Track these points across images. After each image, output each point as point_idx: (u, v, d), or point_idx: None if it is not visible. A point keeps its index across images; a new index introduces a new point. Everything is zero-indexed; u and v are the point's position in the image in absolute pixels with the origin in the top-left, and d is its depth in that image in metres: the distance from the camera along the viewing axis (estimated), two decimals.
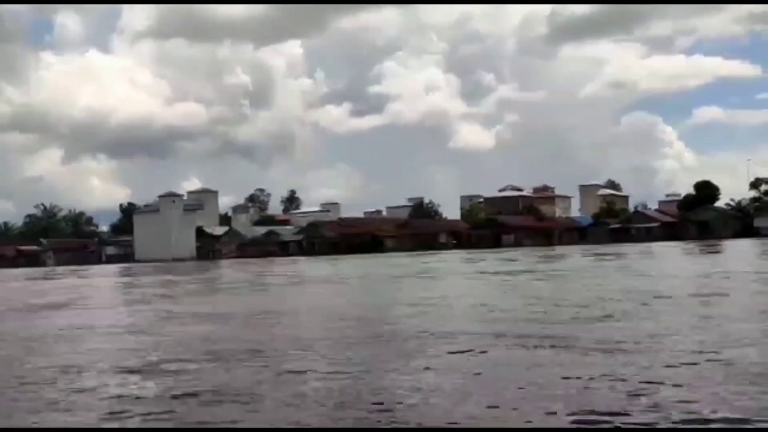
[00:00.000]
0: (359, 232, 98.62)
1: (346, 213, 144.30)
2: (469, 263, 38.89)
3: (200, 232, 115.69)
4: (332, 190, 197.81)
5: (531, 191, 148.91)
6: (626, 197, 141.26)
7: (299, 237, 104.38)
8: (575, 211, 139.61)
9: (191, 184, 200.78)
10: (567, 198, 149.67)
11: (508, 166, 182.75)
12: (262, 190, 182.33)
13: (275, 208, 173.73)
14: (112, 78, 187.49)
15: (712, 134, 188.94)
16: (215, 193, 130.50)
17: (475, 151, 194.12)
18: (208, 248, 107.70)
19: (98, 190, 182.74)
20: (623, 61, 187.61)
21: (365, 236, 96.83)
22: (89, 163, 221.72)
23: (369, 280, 27.14)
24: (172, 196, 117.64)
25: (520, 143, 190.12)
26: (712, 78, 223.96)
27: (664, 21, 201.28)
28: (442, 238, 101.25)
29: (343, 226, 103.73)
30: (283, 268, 48.06)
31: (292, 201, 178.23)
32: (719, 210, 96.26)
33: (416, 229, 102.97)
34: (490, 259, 43.01)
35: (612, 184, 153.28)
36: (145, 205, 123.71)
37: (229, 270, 48.67)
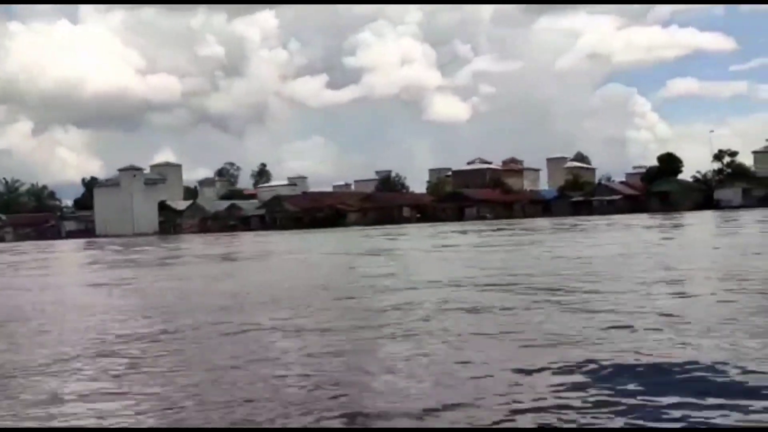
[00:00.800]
0: (321, 206, 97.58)
1: (315, 187, 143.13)
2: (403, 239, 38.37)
3: (163, 207, 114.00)
4: (307, 162, 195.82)
5: (500, 164, 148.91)
6: (593, 170, 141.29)
7: (261, 211, 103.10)
8: (544, 184, 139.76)
9: (164, 156, 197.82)
10: (535, 171, 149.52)
11: (482, 138, 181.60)
12: (232, 164, 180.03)
13: (246, 182, 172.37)
14: (83, 48, 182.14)
15: (685, 106, 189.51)
16: (179, 166, 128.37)
17: (451, 124, 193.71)
18: (170, 223, 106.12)
19: (69, 163, 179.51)
20: (599, 32, 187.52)
21: (328, 210, 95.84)
22: (60, 136, 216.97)
23: (299, 258, 26.45)
24: (133, 169, 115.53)
25: (495, 115, 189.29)
26: (687, 49, 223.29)
27: None
28: (406, 212, 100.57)
29: (306, 200, 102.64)
30: (227, 243, 47.24)
31: (262, 175, 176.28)
32: (680, 182, 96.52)
33: (380, 203, 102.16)
34: (436, 233, 42.54)
35: (581, 157, 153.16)
36: (106, 179, 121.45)
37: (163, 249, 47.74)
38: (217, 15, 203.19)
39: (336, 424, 4.52)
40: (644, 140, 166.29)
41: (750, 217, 48.01)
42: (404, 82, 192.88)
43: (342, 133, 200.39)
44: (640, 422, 4.32)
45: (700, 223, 42.97)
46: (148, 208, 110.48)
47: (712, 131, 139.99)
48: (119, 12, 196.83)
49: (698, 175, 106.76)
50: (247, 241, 47.95)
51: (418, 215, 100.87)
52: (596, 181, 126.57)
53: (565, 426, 4.37)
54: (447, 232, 44.27)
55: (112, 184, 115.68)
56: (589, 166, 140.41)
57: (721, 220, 45.52)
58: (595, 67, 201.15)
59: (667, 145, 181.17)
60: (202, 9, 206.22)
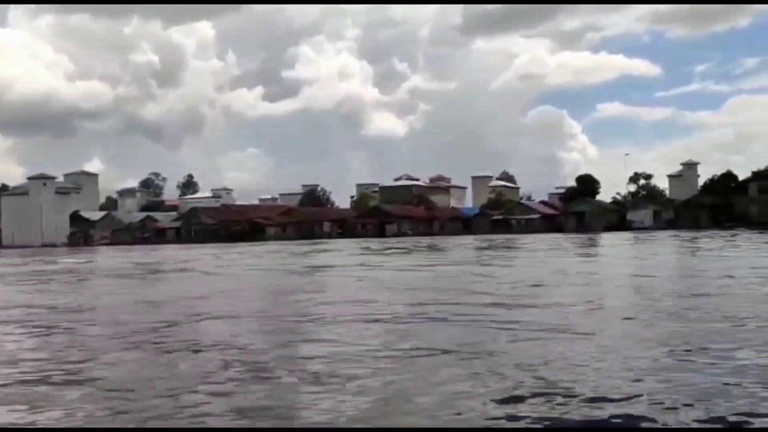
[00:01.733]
0: (239, 220, 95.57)
1: (242, 199, 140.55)
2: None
3: (77, 217, 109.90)
4: (242, 174, 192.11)
5: (427, 181, 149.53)
6: (517, 189, 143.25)
7: (178, 224, 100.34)
8: (470, 202, 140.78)
9: (93, 165, 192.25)
10: (462, 189, 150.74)
11: (417, 155, 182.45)
12: (157, 174, 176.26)
13: (173, 193, 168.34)
14: (11, 52, 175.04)
15: (613, 129, 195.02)
16: (95, 176, 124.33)
17: (388, 139, 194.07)
18: (81, 234, 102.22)
19: None
20: (533, 54, 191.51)
21: (244, 224, 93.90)
22: None
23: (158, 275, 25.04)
24: (44, 178, 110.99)
25: (430, 133, 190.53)
26: (615, 74, 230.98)
27: (572, 18, 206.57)
28: (327, 227, 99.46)
29: (224, 213, 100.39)
30: (116, 255, 45.26)
31: (189, 186, 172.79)
32: (596, 203, 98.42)
33: (300, 217, 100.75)
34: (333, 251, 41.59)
35: (506, 176, 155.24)
36: (14, 187, 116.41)
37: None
38: (153, 22, 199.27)
39: None
40: (574, 161, 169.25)
41: (631, 237, 48.86)
42: (342, 97, 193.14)
43: (278, 146, 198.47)
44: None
45: (578, 244, 43.28)
46: (58, 218, 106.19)
47: (627, 154, 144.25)
48: (49, 16, 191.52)
49: (618, 197, 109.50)
50: (138, 255, 46.05)
51: (339, 231, 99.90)
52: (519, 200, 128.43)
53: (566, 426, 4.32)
54: (345, 249, 43.40)
55: (20, 192, 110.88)
56: (513, 185, 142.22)
57: (596, 240, 46.08)
58: (529, 89, 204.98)
59: (594, 166, 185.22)
60: (137, 16, 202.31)
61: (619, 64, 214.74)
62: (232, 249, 52.38)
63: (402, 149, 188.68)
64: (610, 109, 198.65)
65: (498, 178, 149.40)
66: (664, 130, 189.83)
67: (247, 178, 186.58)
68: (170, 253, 48.79)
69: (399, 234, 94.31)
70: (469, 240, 61.85)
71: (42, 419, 4.92)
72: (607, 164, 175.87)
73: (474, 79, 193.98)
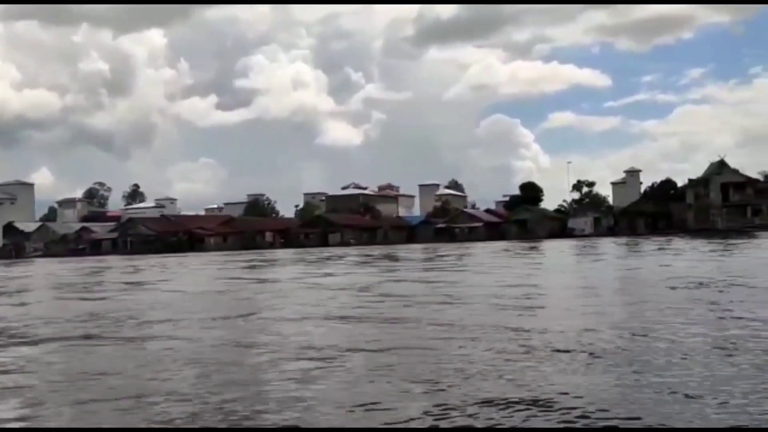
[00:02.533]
0: (177, 231, 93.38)
1: (189, 209, 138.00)
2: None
3: (11, 228, 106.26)
4: (195, 184, 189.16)
5: (375, 190, 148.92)
6: (464, 197, 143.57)
7: (114, 235, 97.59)
8: (418, 211, 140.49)
9: (41, 175, 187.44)
10: (410, 197, 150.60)
11: (371, 164, 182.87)
12: (102, 184, 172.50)
13: (118, 203, 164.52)
14: None
15: (565, 138, 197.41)
16: (31, 185, 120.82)
17: (342, 149, 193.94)
18: (12, 246, 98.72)
19: None
20: (485, 65, 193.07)
21: (182, 235, 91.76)
22: None
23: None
24: None
25: (384, 142, 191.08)
26: (566, 84, 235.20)
27: (523, 29, 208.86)
28: (269, 237, 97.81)
29: (163, 224, 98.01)
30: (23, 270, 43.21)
31: (135, 196, 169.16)
32: (537, 210, 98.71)
33: (241, 227, 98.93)
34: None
35: (454, 184, 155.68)
36: None
37: None
38: (102, 30, 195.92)
39: None
40: (527, 170, 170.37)
41: (571, 244, 48.66)
42: (296, 106, 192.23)
43: (231, 156, 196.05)
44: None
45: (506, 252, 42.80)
46: None
47: (569, 162, 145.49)
48: None
49: (565, 204, 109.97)
50: (55, 268, 44.01)
51: (282, 240, 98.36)
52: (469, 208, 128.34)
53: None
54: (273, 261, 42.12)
55: None
56: (460, 194, 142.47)
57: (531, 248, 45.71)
58: (481, 98, 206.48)
59: (546, 175, 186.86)
60: (86, 23, 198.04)
61: (569, 74, 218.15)
62: (149, 261, 50.66)
63: (356, 159, 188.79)
64: (562, 118, 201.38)
65: (446, 187, 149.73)
66: (612, 139, 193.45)
67: (200, 188, 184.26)
68: (88, 264, 46.82)
69: (342, 243, 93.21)
70: (399, 249, 60.98)
71: None
72: (559, 172, 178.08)
73: (427, 89, 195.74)
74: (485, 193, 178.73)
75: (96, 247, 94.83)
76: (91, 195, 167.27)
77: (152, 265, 39.81)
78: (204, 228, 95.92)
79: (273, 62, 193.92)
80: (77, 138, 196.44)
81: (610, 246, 45.72)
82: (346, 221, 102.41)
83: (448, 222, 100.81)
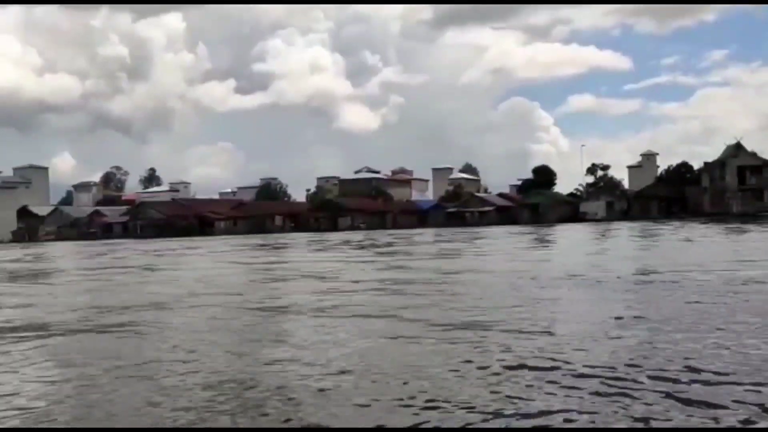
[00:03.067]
0: (187, 215, 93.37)
1: (203, 193, 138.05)
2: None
3: (25, 212, 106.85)
4: (212, 168, 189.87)
5: (388, 174, 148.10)
6: (478, 181, 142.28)
7: (125, 218, 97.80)
8: (431, 195, 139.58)
9: (63, 159, 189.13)
10: (424, 181, 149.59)
11: (388, 148, 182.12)
12: (119, 168, 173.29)
13: (135, 187, 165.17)
14: None
15: (584, 121, 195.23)
16: (45, 169, 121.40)
17: (359, 133, 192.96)
18: (27, 229, 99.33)
19: None
20: (503, 48, 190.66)
21: (192, 218, 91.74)
22: None
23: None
24: None
25: (402, 126, 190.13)
26: (585, 67, 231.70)
27: (541, 11, 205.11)
28: (278, 221, 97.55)
29: (174, 208, 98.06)
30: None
31: (151, 180, 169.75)
32: (549, 194, 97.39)
33: (251, 211, 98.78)
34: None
35: (469, 168, 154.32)
36: None
37: None
38: (121, 15, 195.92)
39: None
40: (546, 153, 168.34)
41: (585, 229, 47.82)
42: (314, 90, 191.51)
43: (249, 140, 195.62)
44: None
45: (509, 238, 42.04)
46: (4, 213, 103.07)
47: (583, 145, 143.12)
48: (15, 9, 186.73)
49: (581, 188, 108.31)
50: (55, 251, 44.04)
51: (292, 225, 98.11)
52: (484, 192, 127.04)
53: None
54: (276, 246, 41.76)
55: None
56: (473, 178, 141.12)
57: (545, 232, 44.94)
58: (499, 82, 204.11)
59: (565, 158, 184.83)
60: (105, 8, 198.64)
61: (589, 57, 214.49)
62: (153, 245, 50.54)
63: (373, 142, 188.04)
64: (581, 101, 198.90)
65: (460, 171, 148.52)
66: (632, 122, 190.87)
67: (217, 172, 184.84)
68: (93, 249, 46.77)
69: (352, 227, 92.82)
70: (401, 233, 60.36)
71: None
72: (578, 156, 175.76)
73: (445, 72, 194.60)
74: (504, 178, 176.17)
75: (107, 231, 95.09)
76: (108, 179, 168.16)
77: (156, 251, 39.61)
78: (214, 212, 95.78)
79: (290, 46, 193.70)
80: (97, 122, 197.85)
81: (582, 233, 44.78)
82: (356, 205, 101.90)
83: (459, 206, 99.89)
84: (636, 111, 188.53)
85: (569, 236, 38.40)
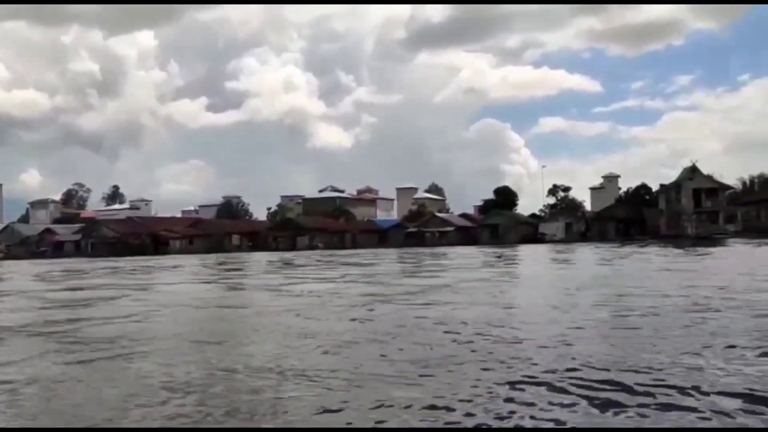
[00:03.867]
0: (140, 233, 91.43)
1: (166, 211, 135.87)
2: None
3: None
4: (184, 186, 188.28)
5: (354, 193, 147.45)
6: (443, 201, 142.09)
7: (77, 237, 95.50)
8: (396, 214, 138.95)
9: (30, 176, 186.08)
10: (390, 200, 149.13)
11: (360, 167, 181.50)
12: (81, 185, 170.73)
13: (97, 205, 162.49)
14: None
15: (555, 143, 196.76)
16: None
17: (332, 152, 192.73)
18: None
19: None
20: (476, 69, 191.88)
21: (145, 237, 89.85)
22: None
23: None
24: None
25: (375, 145, 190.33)
26: (556, 90, 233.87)
27: (514, 34, 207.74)
28: (236, 240, 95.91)
29: (128, 226, 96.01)
30: None
31: (114, 198, 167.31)
32: (508, 215, 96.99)
33: (209, 230, 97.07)
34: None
35: (435, 188, 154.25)
36: None
37: None
38: (93, 31, 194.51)
39: None
40: (517, 174, 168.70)
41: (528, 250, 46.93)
42: (287, 109, 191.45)
43: (221, 157, 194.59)
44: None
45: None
46: None
47: (544, 166, 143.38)
48: None
49: (544, 210, 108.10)
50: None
51: (250, 244, 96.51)
52: (450, 211, 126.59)
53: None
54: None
55: None
56: (437, 197, 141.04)
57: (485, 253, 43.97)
58: (472, 102, 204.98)
59: (536, 179, 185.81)
60: (76, 24, 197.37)
61: (560, 80, 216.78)
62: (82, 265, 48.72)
63: (345, 161, 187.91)
64: (552, 123, 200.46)
65: (426, 191, 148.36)
66: (601, 145, 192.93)
67: (188, 189, 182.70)
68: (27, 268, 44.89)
69: (310, 247, 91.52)
70: (343, 254, 59.05)
71: None
72: (548, 177, 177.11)
73: (418, 93, 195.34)
74: (476, 198, 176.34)
75: (58, 250, 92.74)
76: (70, 196, 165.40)
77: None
78: (169, 230, 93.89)
79: (264, 64, 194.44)
80: (67, 138, 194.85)
81: (536, 254, 43.97)
82: (317, 224, 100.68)
83: (419, 226, 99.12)
84: (605, 133, 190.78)
85: (525, 256, 37.45)
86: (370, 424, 4.19)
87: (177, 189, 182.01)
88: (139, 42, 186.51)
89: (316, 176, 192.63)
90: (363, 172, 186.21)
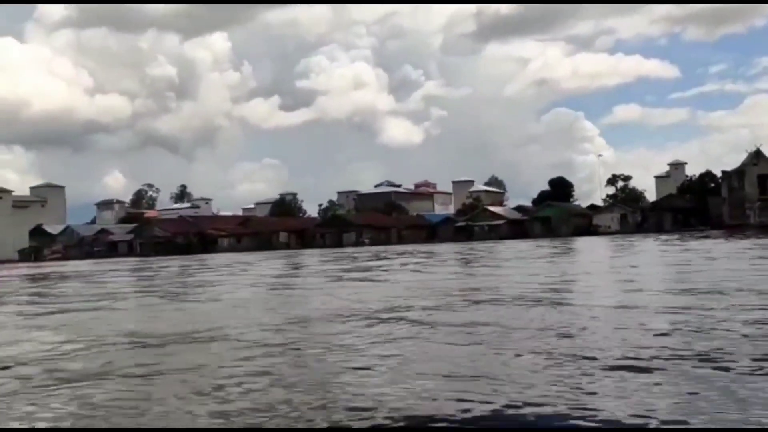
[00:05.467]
0: (187, 232, 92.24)
1: (227, 210, 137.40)
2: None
3: (38, 231, 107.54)
4: (257, 185, 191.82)
5: (412, 187, 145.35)
6: (501, 194, 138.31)
7: (130, 237, 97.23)
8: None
9: (114, 178, 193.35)
10: (448, 194, 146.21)
11: (430, 162, 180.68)
12: (151, 186, 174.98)
13: (166, 204, 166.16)
14: (29, 67, 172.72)
15: (630, 131, 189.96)
16: (61, 188, 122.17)
17: (402, 147, 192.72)
18: (34, 248, 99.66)
19: (13, 183, 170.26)
20: (547, 59, 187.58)
21: (193, 236, 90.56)
22: (3, 156, 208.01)
23: None
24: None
25: (445, 140, 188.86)
26: (631, 77, 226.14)
27: (585, 21, 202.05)
28: (283, 238, 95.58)
29: (178, 225, 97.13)
30: None
31: (182, 197, 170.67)
32: (561, 207, 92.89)
33: (257, 228, 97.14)
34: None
35: (495, 181, 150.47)
36: None
37: None
38: (169, 36, 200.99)
39: None
40: (591, 164, 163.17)
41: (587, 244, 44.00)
42: (357, 106, 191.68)
43: (293, 156, 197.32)
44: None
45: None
46: (15, 231, 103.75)
47: (600, 155, 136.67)
48: (66, 31, 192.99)
49: (608, 200, 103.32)
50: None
51: (299, 241, 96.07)
52: (511, 204, 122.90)
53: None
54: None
55: None
56: (495, 190, 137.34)
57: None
58: (543, 93, 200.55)
59: (611, 169, 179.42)
60: (153, 29, 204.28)
61: (634, 66, 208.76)
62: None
63: (417, 156, 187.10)
64: (627, 111, 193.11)
65: (486, 183, 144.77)
66: (679, 132, 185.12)
67: (262, 188, 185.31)
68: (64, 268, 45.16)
69: (356, 243, 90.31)
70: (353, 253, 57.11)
71: None
72: (624, 166, 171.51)
73: (487, 85, 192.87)
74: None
75: (112, 249, 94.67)
76: (140, 196, 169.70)
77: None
78: (218, 229, 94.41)
79: (333, 62, 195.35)
80: (146, 141, 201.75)
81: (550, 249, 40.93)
82: (364, 220, 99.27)
83: (468, 220, 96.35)
84: (683, 120, 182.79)
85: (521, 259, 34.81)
86: None
87: (251, 188, 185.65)
88: (212, 45, 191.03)
89: (385, 171, 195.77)
90: (432, 167, 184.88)
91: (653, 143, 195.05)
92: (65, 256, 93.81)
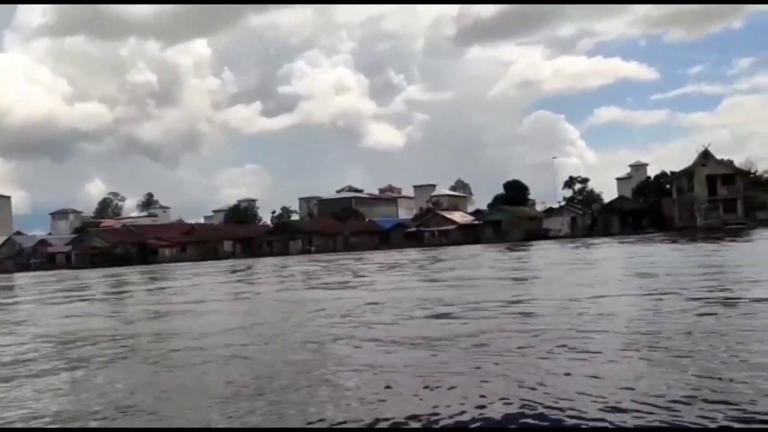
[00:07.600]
0: (126, 242, 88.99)
1: (188, 217, 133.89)
2: None
3: None
4: (240, 190, 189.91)
5: (375, 192, 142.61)
6: (464, 197, 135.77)
7: (68, 248, 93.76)
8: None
9: (95, 186, 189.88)
10: (412, 199, 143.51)
11: (413, 165, 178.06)
12: (116, 194, 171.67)
13: (133, 212, 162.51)
14: (7, 76, 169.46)
15: (611, 133, 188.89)
16: (7, 198, 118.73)
17: (386, 151, 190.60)
18: None
19: None
20: (528, 61, 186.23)
21: (130, 246, 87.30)
22: None
23: None
24: None
25: (428, 143, 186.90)
26: (612, 79, 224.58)
27: (566, 23, 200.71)
28: (228, 246, 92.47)
29: (119, 235, 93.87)
30: None
31: (149, 205, 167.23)
32: (512, 211, 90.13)
33: (201, 237, 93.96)
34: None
35: (461, 184, 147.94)
36: None
37: None
38: (149, 42, 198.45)
39: None
40: (573, 166, 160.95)
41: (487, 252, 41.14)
42: (340, 110, 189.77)
43: (276, 161, 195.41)
44: None
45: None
46: None
47: (554, 158, 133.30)
48: (45, 39, 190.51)
49: (561, 204, 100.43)
50: None
51: (246, 249, 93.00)
52: (476, 208, 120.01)
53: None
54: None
55: None
56: (457, 194, 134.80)
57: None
58: (525, 96, 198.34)
59: (593, 171, 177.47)
60: (133, 36, 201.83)
61: (615, 68, 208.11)
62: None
63: (398, 160, 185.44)
64: (608, 113, 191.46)
65: (451, 187, 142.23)
66: (660, 133, 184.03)
67: (244, 193, 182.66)
68: None
69: (303, 251, 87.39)
70: (288, 261, 54.24)
71: None
72: (605, 169, 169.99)
73: (470, 88, 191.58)
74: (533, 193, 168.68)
75: (51, 261, 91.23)
76: (105, 205, 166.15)
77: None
78: (161, 238, 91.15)
79: (315, 67, 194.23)
80: (128, 148, 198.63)
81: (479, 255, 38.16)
82: (314, 227, 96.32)
83: (419, 225, 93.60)
84: (663, 121, 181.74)
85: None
86: None
87: (235, 193, 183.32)
88: (193, 51, 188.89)
89: (370, 176, 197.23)
90: (415, 170, 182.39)
91: (635, 144, 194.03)
92: (2, 269, 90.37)
